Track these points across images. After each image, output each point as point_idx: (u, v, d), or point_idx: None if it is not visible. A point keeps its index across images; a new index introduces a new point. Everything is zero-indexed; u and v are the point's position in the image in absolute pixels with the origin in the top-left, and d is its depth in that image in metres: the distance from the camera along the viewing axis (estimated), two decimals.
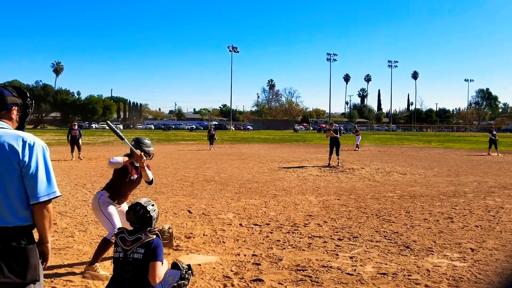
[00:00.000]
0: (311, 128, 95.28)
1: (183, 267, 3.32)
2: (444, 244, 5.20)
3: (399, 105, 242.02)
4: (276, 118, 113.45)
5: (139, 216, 3.07)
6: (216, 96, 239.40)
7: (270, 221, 6.38)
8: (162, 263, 3.01)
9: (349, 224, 6.25)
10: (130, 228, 3.15)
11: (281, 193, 9.02)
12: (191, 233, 5.61)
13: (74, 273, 4.05)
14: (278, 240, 5.31)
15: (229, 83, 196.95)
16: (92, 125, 79.54)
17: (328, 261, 4.52)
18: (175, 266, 3.34)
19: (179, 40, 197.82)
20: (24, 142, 2.10)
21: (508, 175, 12.74)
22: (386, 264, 4.43)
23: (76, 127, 17.30)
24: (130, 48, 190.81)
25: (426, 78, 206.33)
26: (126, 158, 4.04)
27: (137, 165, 4.16)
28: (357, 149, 25.43)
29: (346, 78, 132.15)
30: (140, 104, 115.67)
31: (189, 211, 7.04)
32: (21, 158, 2.07)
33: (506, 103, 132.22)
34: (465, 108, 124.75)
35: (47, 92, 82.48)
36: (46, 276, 3.71)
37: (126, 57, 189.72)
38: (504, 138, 39.12)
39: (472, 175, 12.75)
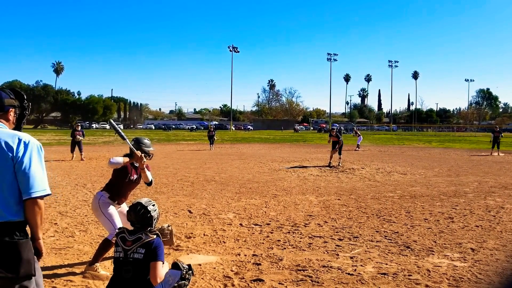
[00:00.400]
0: (312, 128, 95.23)
1: (183, 267, 3.32)
2: (444, 244, 5.20)
3: (400, 105, 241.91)
4: (277, 118, 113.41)
5: (140, 216, 3.07)
6: (216, 96, 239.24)
7: (270, 221, 6.38)
8: (163, 263, 3.01)
9: (350, 224, 6.25)
10: (131, 228, 3.16)
11: (282, 193, 9.02)
12: (192, 233, 5.61)
13: (74, 273, 4.05)
14: (279, 240, 5.31)
15: (229, 83, 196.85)
16: (92, 125, 79.57)
17: (329, 261, 4.52)
18: (175, 266, 3.34)
19: (179, 40, 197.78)
20: (19, 140, 2.18)
21: (509, 175, 12.73)
22: (386, 264, 4.43)
23: (80, 128, 17.19)
24: (131, 48, 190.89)
25: (427, 78, 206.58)
26: (127, 159, 4.03)
27: (137, 165, 4.15)
28: (357, 149, 25.43)
29: (347, 78, 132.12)
30: (141, 104, 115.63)
31: (190, 211, 7.04)
32: (15, 154, 2.13)
33: (506, 103, 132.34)
34: (465, 108, 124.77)
35: (48, 92, 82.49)
36: (46, 276, 3.72)
37: (127, 57, 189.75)
38: (505, 138, 39.06)
39: (472, 175, 12.74)
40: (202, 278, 3.97)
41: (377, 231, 5.81)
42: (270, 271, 4.19)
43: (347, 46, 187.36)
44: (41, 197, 2.17)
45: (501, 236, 5.62)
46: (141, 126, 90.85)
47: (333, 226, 6.12)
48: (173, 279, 3.16)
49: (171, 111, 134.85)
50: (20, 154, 2.14)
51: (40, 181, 2.17)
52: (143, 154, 4.07)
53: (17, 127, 2.36)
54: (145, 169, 4.12)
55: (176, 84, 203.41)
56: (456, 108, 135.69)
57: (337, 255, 4.75)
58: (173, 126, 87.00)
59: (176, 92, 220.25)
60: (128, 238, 3.01)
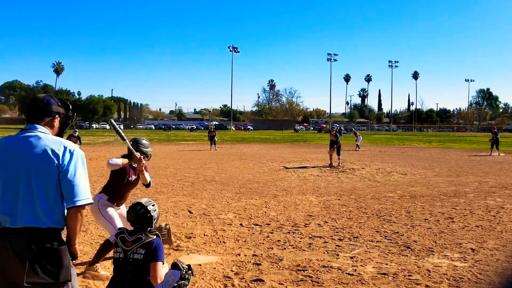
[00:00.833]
0: (312, 128, 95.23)
1: (183, 267, 3.32)
2: (444, 244, 5.20)
3: (400, 105, 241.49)
4: (277, 118, 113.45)
5: (140, 216, 3.07)
6: (216, 96, 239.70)
7: (270, 221, 6.37)
8: (163, 264, 3.00)
9: (350, 224, 6.25)
10: (131, 229, 3.15)
11: (282, 193, 9.02)
12: (192, 233, 5.61)
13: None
14: (279, 240, 5.31)
15: (229, 83, 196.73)
16: (92, 125, 79.61)
17: (329, 261, 4.52)
18: (175, 266, 3.33)
19: (179, 40, 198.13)
20: (65, 148, 2.20)
21: (509, 175, 12.72)
22: (386, 264, 4.43)
23: (77, 134, 16.66)
24: (131, 48, 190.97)
25: (427, 78, 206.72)
26: (126, 160, 3.98)
27: (135, 166, 4.11)
28: (357, 149, 25.44)
29: (347, 78, 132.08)
30: (141, 104, 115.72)
31: (190, 211, 7.04)
32: (61, 161, 2.15)
33: (506, 103, 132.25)
34: (465, 108, 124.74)
35: (48, 92, 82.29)
36: None
37: (127, 57, 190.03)
38: (505, 138, 39.07)
39: (472, 175, 12.74)
40: (202, 278, 3.97)
41: (377, 231, 5.81)
42: (270, 271, 4.18)
43: (347, 46, 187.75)
44: (84, 206, 2.19)
45: (501, 236, 5.62)
46: (141, 126, 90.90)
47: (333, 226, 6.12)
48: (173, 279, 3.16)
49: (171, 111, 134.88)
50: (66, 162, 2.16)
51: (84, 189, 2.20)
52: (141, 156, 4.04)
53: (59, 135, 2.38)
54: (144, 170, 4.07)
55: (176, 84, 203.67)
56: (456, 108, 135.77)
57: (337, 255, 4.75)
58: (173, 126, 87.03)
59: (176, 92, 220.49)
60: (127, 239, 3.01)
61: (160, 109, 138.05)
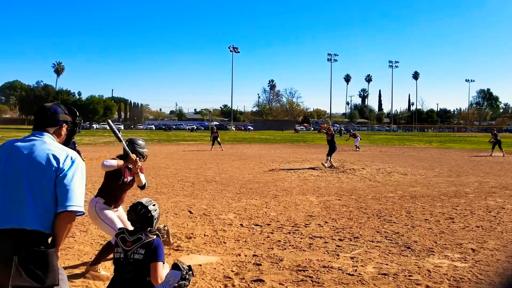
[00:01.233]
0: (312, 128, 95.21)
1: (183, 267, 3.32)
2: (445, 244, 5.20)
3: (400, 106, 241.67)
4: (277, 118, 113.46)
5: (140, 216, 3.07)
6: (217, 96, 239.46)
7: (271, 222, 6.37)
8: (164, 264, 3.01)
9: (350, 224, 6.25)
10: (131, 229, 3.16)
11: (282, 194, 9.01)
12: (192, 234, 5.61)
13: (75, 274, 4.05)
14: (279, 241, 5.31)
15: (229, 84, 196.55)
16: (93, 125, 79.62)
17: (329, 261, 4.52)
18: (175, 266, 3.34)
19: (179, 40, 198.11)
20: (67, 155, 2.22)
21: (509, 176, 12.72)
22: (387, 264, 4.43)
23: (76, 145, 16.67)
24: (131, 48, 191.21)
25: (427, 78, 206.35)
26: (121, 162, 3.92)
27: (131, 166, 4.06)
28: (358, 149, 25.45)
29: (347, 79, 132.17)
30: (141, 104, 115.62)
31: (190, 212, 7.04)
32: (60, 166, 2.16)
33: (507, 103, 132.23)
34: (466, 109, 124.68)
35: (48, 92, 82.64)
36: None
37: (127, 57, 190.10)
38: (505, 138, 39.03)
39: (473, 175, 12.73)
40: (202, 279, 3.97)
41: (377, 232, 5.81)
42: (270, 272, 4.18)
43: (347, 47, 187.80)
44: (75, 213, 2.16)
45: (501, 236, 5.61)
46: (142, 127, 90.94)
47: (333, 226, 6.12)
48: (173, 279, 3.16)
49: (171, 112, 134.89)
50: (65, 168, 2.17)
51: (78, 197, 2.18)
52: (137, 157, 3.98)
53: (66, 143, 2.40)
54: (139, 172, 4.00)
55: (176, 84, 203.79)
56: (456, 109, 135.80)
57: (338, 255, 4.74)
58: (174, 127, 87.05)
59: (177, 93, 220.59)
60: (128, 239, 3.01)
61: (160, 109, 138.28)
